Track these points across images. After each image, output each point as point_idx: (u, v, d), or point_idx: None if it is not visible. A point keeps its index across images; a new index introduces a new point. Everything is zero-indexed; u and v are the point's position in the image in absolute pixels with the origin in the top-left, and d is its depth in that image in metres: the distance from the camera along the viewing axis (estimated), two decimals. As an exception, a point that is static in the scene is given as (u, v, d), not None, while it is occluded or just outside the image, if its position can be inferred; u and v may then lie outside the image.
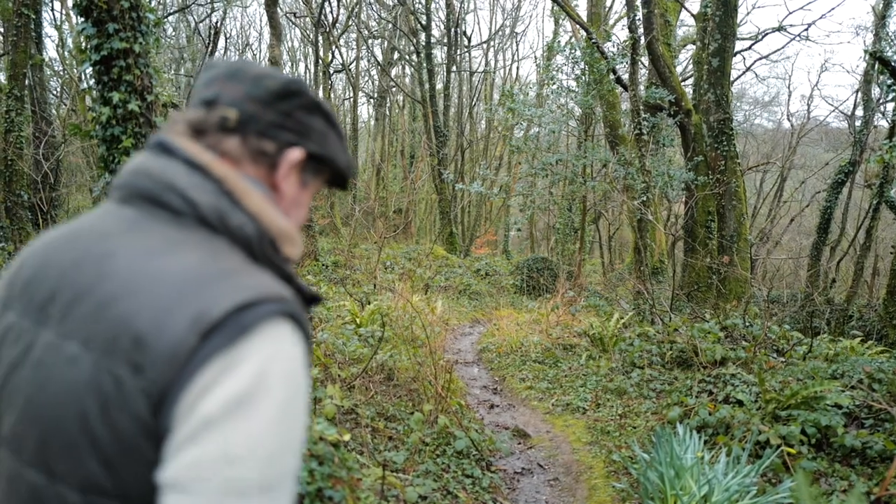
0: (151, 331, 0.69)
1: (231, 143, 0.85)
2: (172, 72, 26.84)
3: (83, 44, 4.19)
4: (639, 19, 10.58)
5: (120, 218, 0.81)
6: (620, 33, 29.59)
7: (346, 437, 2.46)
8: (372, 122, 33.12)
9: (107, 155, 4.23)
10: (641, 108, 10.28)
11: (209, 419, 0.67)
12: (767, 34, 22.82)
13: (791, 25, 28.01)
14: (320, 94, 25.09)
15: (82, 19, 4.14)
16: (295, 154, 0.88)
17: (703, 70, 12.85)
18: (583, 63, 13.47)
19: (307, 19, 25.92)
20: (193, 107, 0.88)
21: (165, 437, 0.68)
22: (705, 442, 4.18)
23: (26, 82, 12.27)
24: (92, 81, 4.26)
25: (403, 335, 6.83)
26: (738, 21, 13.03)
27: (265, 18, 16.13)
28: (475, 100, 28.84)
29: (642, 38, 10.83)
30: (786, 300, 14.33)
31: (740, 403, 4.97)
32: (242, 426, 0.67)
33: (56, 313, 0.75)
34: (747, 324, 7.64)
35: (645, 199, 9.52)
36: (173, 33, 31.04)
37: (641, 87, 11.50)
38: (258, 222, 0.83)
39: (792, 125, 28.76)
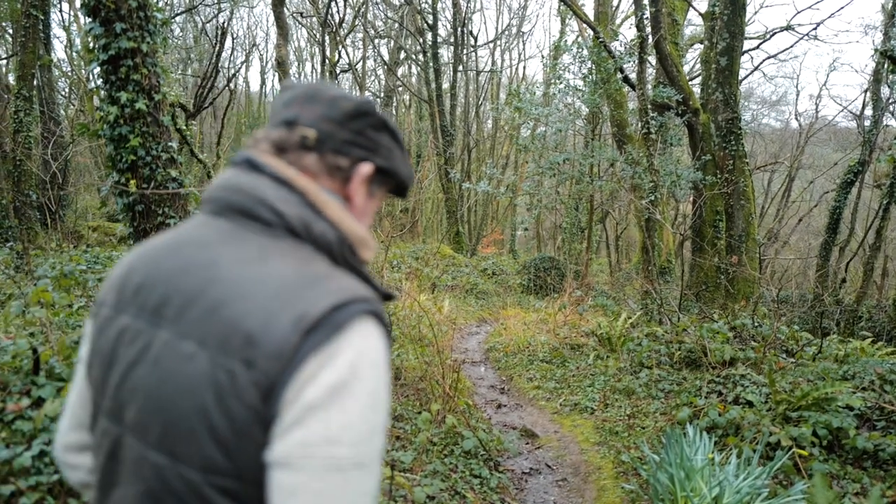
0: (260, 331, 0.79)
1: (310, 160, 0.95)
2: (180, 72, 26.93)
3: (91, 43, 4.19)
4: (647, 18, 10.54)
5: (216, 229, 0.91)
6: (627, 32, 29.50)
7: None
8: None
9: (115, 154, 4.23)
10: (649, 106, 10.22)
11: (312, 405, 0.76)
12: (775, 33, 22.70)
13: (799, 25, 27.86)
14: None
15: (90, 19, 4.14)
16: (365, 168, 0.98)
17: (710, 69, 12.77)
18: (590, 62, 13.42)
19: (314, 19, 25.97)
20: (274, 126, 0.97)
21: (273, 422, 0.78)
22: (715, 443, 4.14)
23: (35, 83, 12.33)
24: (100, 81, 4.26)
25: (411, 334, 6.82)
26: (746, 20, 12.95)
27: (272, 18, 16.15)
28: (482, 99, 28.81)
29: (650, 36, 10.78)
30: (794, 301, 14.24)
31: (750, 404, 4.93)
32: (340, 411, 0.77)
33: (170, 315, 0.85)
34: (756, 324, 7.59)
35: (653, 198, 9.47)
36: (181, 34, 31.14)
37: (649, 87, 11.45)
38: (338, 230, 0.93)
39: (800, 125, 28.60)
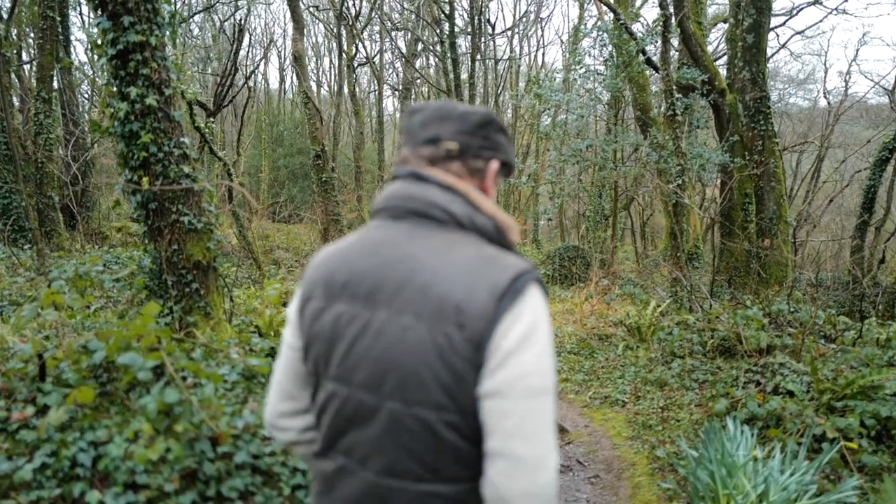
0: (466, 301, 1.04)
1: (455, 166, 1.21)
2: (199, 71, 27.06)
3: (99, 38, 4.09)
4: (669, -4, 10.22)
5: (400, 230, 1.16)
6: (647, 15, 28.89)
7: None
8: (397, 116, 33.00)
9: (126, 151, 4.14)
10: (674, 87, 9.92)
11: (510, 351, 1.02)
12: (802, 9, 22.06)
13: (827, -2, 26.96)
14: (345, 87, 25.04)
15: (98, 13, 4.04)
16: (495, 165, 1.24)
17: (736, 47, 12.38)
18: (610, 46, 13.11)
19: (330, 13, 25.89)
20: (418, 144, 1.22)
21: (482, 366, 1.03)
22: (756, 436, 3.93)
23: (56, 85, 12.39)
24: (108, 76, 4.16)
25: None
26: (773, -5, 12.52)
27: (289, 15, 16.10)
28: (500, 88, 28.50)
29: (673, 15, 10.47)
30: (829, 284, 13.81)
31: (791, 394, 4.70)
32: (529, 353, 1.03)
33: (384, 299, 1.09)
34: (792, 309, 7.32)
35: (680, 182, 9.19)
36: (199, 33, 31.28)
37: (673, 67, 11.13)
38: (493, 220, 1.18)
39: (829, 103, 27.80)
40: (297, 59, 15.12)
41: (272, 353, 4.49)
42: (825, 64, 39.00)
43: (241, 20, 18.41)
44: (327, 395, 1.17)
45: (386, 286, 1.10)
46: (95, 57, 4.28)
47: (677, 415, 5.02)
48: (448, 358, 1.04)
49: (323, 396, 1.18)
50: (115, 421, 2.06)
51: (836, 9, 19.25)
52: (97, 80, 17.98)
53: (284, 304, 6.50)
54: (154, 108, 4.10)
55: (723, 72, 13.53)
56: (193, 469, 1.89)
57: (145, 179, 4.05)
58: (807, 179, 24.88)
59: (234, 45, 17.36)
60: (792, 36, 22.81)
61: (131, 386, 2.35)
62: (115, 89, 4.10)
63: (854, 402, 4.21)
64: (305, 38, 22.64)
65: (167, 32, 4.22)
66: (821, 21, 26.68)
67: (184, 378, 2.47)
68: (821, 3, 21.11)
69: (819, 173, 24.61)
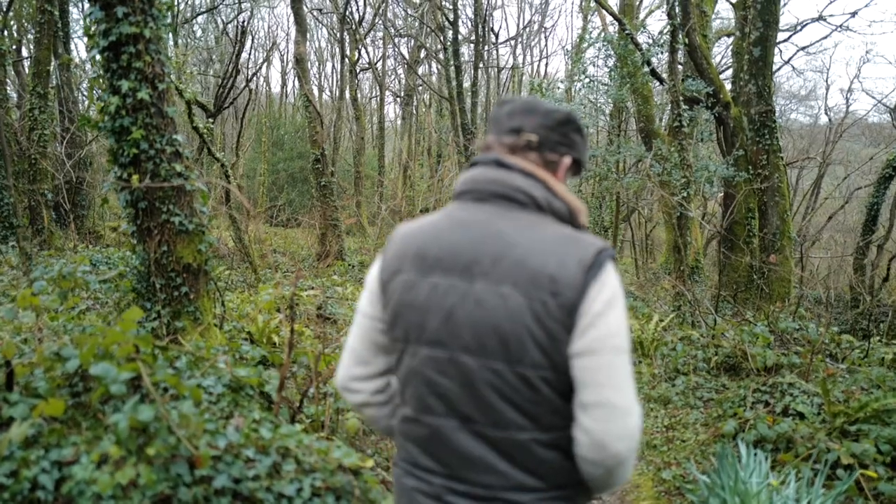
0: (559, 272, 1.19)
1: (532, 156, 1.33)
2: (200, 72, 26.93)
3: (91, 29, 3.92)
4: (678, 5, 10.10)
5: (486, 211, 1.28)
6: (651, 27, 28.87)
7: (369, 464, 2.12)
8: (398, 122, 32.88)
9: (116, 147, 3.96)
10: (681, 98, 9.79)
11: (597, 314, 1.18)
12: (806, 24, 22.03)
13: (831, 15, 26.95)
14: (346, 92, 24.92)
15: (91, 2, 3.88)
16: (567, 160, 1.37)
17: (743, 60, 12.26)
18: (615, 56, 12.99)
19: (334, 18, 25.79)
20: (503, 132, 1.36)
21: (573, 328, 1.19)
22: (767, 460, 3.75)
23: (55, 82, 12.22)
24: (100, 69, 3.99)
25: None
26: (779, 8, 12.42)
27: (292, 18, 15.99)
28: (503, 97, 28.40)
29: (681, 26, 10.35)
30: (834, 301, 13.66)
31: (801, 416, 4.52)
32: (612, 316, 1.19)
33: (481, 271, 1.22)
34: (798, 327, 7.15)
35: (686, 194, 9.04)
36: (202, 35, 31.19)
37: (679, 78, 11.00)
38: (567, 204, 1.31)
39: (830, 120, 27.75)
40: (299, 62, 14.99)
41: (263, 362, 4.31)
42: (827, 81, 39.01)
43: (243, 22, 18.29)
44: (421, 360, 1.28)
45: (483, 260, 1.24)
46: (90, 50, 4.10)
47: (682, 435, 4.84)
48: (544, 322, 1.19)
49: (415, 361, 1.29)
50: (85, 437, 1.87)
51: (840, 26, 19.19)
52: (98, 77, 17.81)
53: (278, 310, 6.31)
54: (146, 103, 3.93)
55: (727, 86, 13.42)
56: (167, 495, 1.71)
57: (135, 177, 3.87)
58: (807, 196, 24.77)
59: (237, 47, 17.24)
60: (796, 52, 22.74)
61: (107, 398, 2.17)
62: (106, 83, 3.93)
63: (867, 426, 4.04)
64: (308, 43, 22.53)
65: (162, 25, 4.05)
66: (825, 37, 26.59)
67: (165, 390, 2.29)
68: (825, 20, 21.08)
69: (819, 190, 24.52)
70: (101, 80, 3.98)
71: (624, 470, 1.22)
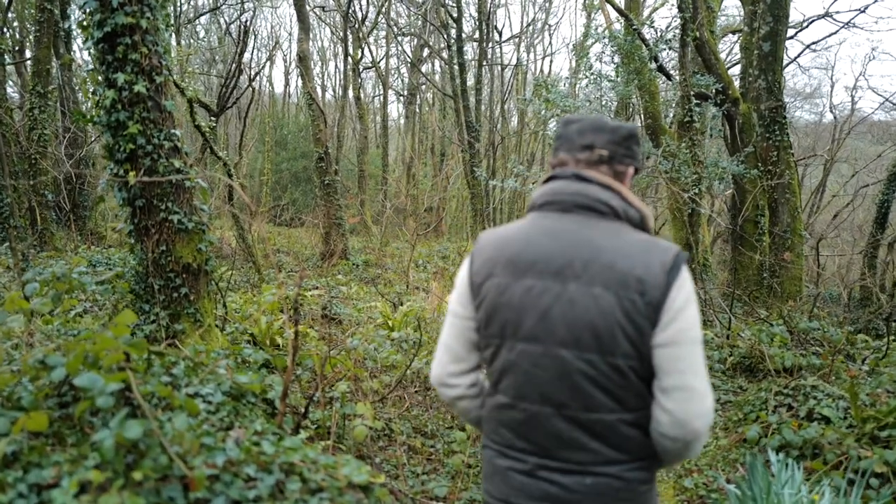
0: (644, 274, 1.37)
1: (604, 169, 1.53)
2: (203, 72, 26.81)
3: (85, 20, 3.76)
4: (687, -1, 9.91)
5: (572, 220, 1.47)
6: (656, 24, 28.60)
7: (380, 479, 1.95)
8: (402, 121, 32.70)
9: (112, 143, 3.80)
10: (692, 93, 9.60)
11: (678, 310, 1.37)
12: (813, 21, 21.76)
13: (837, 12, 26.63)
14: (350, 91, 24.75)
15: (84, -8, 3.72)
16: (632, 170, 1.58)
17: (752, 56, 12.06)
18: (621, 52, 12.79)
19: (337, 17, 25.63)
20: (575, 149, 1.54)
21: (657, 323, 1.37)
22: (801, 469, 3.57)
23: (57, 82, 12.07)
24: (95, 61, 3.83)
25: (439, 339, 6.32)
26: (790, 3, 12.20)
27: (295, 18, 15.82)
28: (507, 95, 28.21)
29: (691, 19, 10.16)
30: (846, 300, 13.43)
31: (827, 420, 4.34)
32: (689, 311, 1.38)
33: (573, 274, 1.40)
34: (815, 326, 6.96)
35: (697, 191, 8.86)
36: (205, 35, 31.08)
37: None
38: (639, 212, 1.51)
39: (835, 117, 27.47)
40: (302, 60, 14.83)
41: (267, 365, 4.14)
42: (832, 78, 38.74)
43: (246, 21, 18.14)
44: (517, 354, 1.45)
45: (574, 264, 1.40)
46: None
47: (702, 439, 4.65)
48: (633, 318, 1.35)
49: (512, 355, 1.46)
50: (69, 455, 1.71)
51: (848, 23, 18.93)
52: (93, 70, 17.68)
53: (282, 311, 6.15)
54: (143, 97, 3.77)
55: (734, 82, 13.20)
56: (159, 519, 1.54)
57: (132, 174, 3.71)
58: (813, 194, 24.52)
59: (240, 46, 17.09)
60: (803, 50, 22.41)
61: (96, 410, 2.00)
62: (101, 76, 3.76)
63: (897, 431, 3.86)
64: (311, 42, 22.37)
65: (160, 15, 3.88)
66: (833, 34, 26.25)
67: (160, 400, 2.12)
68: (831, 17, 20.82)
69: (824, 188, 24.28)
70: (96, 74, 3.81)
71: (699, 445, 1.42)
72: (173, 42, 20.75)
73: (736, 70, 16.73)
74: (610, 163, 1.51)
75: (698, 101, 11.99)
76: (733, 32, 21.55)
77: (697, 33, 10.87)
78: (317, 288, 9.33)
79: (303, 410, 3.19)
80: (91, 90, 3.80)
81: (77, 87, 13.49)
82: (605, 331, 1.36)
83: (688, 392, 1.34)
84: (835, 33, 33.46)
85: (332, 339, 6.18)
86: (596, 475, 1.42)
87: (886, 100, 31.53)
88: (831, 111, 29.05)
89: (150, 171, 3.79)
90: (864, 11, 15.33)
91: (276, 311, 5.86)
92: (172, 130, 3.92)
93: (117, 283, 4.02)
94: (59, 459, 1.69)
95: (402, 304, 8.47)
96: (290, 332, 4.31)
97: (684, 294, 1.37)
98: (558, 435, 1.42)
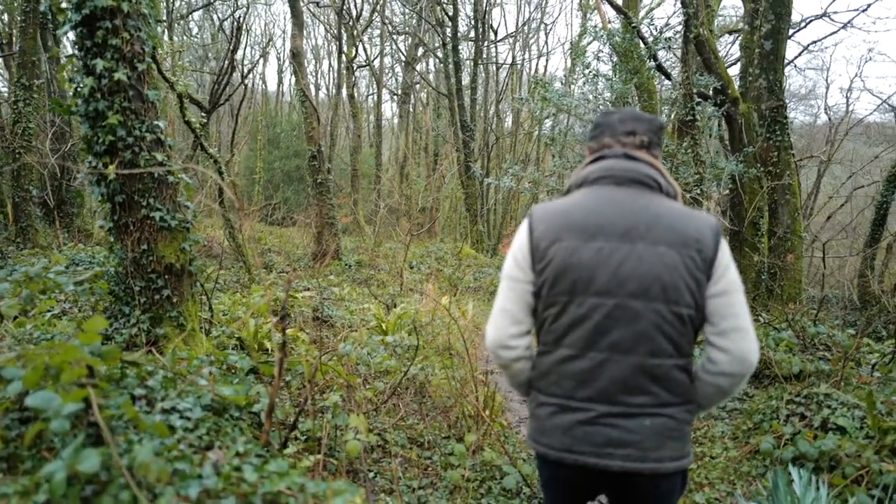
0: (699, 235, 1.64)
1: (642, 153, 1.79)
2: (196, 69, 26.47)
3: (63, 2, 3.52)
4: (689, -4, 9.73)
5: (626, 192, 1.72)
6: (651, 25, 28.43)
7: (377, 509, 1.73)
8: (396, 120, 32.45)
9: (91, 134, 3.55)
10: (693, 91, 9.42)
11: (726, 265, 1.64)
12: (810, 21, 21.66)
13: (835, 12, 26.51)
14: (343, 89, 24.46)
15: (62, -27, 3.48)
16: (660, 156, 1.85)
17: (753, 55, 11.89)
18: (618, 51, 12.61)
19: (331, 15, 25.36)
20: (620, 135, 1.81)
21: (711, 276, 1.63)
22: (825, 484, 3.37)
23: (43, 77, 11.75)
24: (73, 47, 3.58)
25: (434, 344, 6.10)
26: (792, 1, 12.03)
27: (288, 15, 15.55)
28: (502, 95, 28.01)
29: (693, 17, 9.98)
30: (845, 303, 13.30)
31: (842, 431, 4.15)
32: (733, 267, 1.65)
33: (639, 235, 1.63)
34: (823, 331, 6.78)
35: (699, 191, 8.67)
36: (198, 32, 30.73)
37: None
38: (674, 187, 1.78)
39: (830, 119, 27.41)
40: (296, 56, 14.57)
41: (254, 371, 3.91)
42: (827, 79, 38.63)
43: (240, 18, 17.85)
44: (588, 308, 1.64)
45: (639, 226, 1.64)
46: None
47: (711, 450, 4.46)
48: (693, 272, 1.62)
49: (582, 310, 1.64)
50: (19, 487, 1.48)
51: (847, 23, 18.81)
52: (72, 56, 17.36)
53: (275, 313, 5.91)
54: (124, 85, 3.53)
55: (734, 81, 13.04)
56: (120, 564, 1.32)
57: (111, 167, 3.47)
58: (809, 196, 24.42)
59: (233, 43, 16.80)
60: (802, 51, 22.26)
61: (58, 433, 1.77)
62: (79, 63, 3.53)
63: (919, 443, 3.67)
64: (305, 41, 22.09)
65: (144, 0, 3.65)
66: (831, 34, 26.08)
67: (128, 422, 1.89)
68: (829, 17, 20.72)
69: (818, 189, 24.20)
70: (73, 60, 3.57)
71: (745, 382, 1.67)
72: (166, 38, 20.44)
73: (733, 70, 16.58)
74: (649, 147, 1.80)
75: (699, 101, 11.82)
76: (730, 32, 21.43)
77: (700, 30, 10.69)
78: (308, 289, 9.09)
79: (292, 422, 2.97)
80: (69, 78, 3.55)
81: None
82: (671, 283, 1.60)
83: (742, 332, 1.61)
84: (834, 33, 33.28)
85: (324, 344, 5.94)
86: (654, 416, 1.61)
87: (884, 101, 31.53)
88: (826, 112, 28.99)
89: (131, 164, 3.55)
90: (864, 11, 15.19)
91: (266, 313, 5.63)
92: (155, 122, 3.69)
93: (96, 284, 3.78)
94: (8, 491, 1.46)
95: (395, 306, 8.25)
96: (279, 339, 4.06)
97: (727, 252, 1.66)
98: (623, 380, 1.61)
